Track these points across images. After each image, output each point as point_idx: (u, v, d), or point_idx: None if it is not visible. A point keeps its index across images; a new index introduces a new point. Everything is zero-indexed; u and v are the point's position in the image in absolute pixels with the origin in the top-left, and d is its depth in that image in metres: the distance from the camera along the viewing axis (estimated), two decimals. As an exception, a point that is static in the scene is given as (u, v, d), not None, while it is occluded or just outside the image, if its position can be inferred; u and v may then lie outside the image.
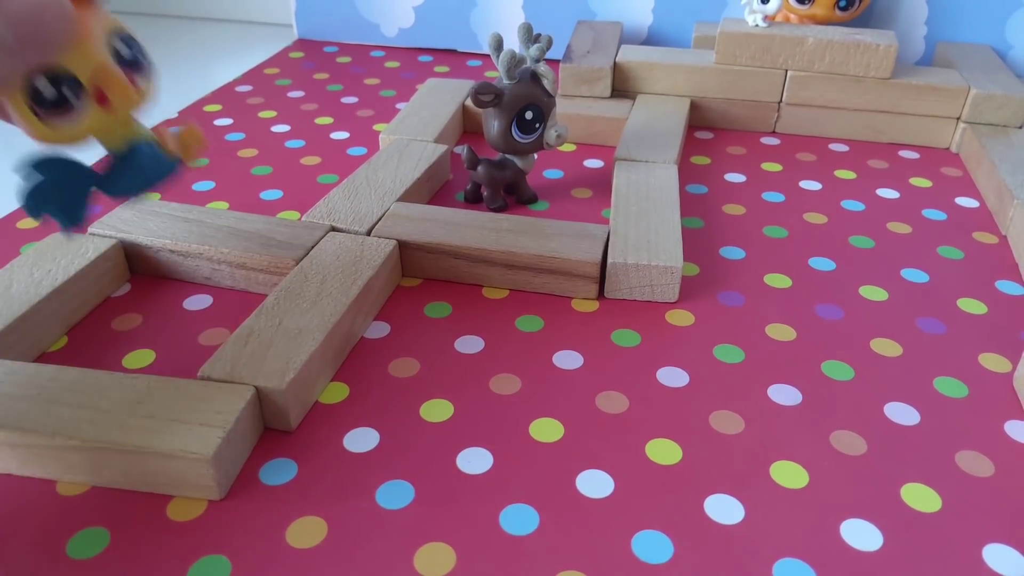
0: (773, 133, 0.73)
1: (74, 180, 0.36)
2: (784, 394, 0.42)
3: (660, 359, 0.45)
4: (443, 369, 0.44)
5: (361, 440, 0.39)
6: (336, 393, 0.42)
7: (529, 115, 0.54)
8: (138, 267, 0.51)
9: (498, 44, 0.53)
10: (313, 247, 0.49)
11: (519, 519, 0.35)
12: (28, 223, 0.56)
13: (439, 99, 0.70)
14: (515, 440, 0.39)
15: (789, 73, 0.70)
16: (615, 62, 0.72)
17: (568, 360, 0.44)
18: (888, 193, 0.63)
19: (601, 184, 0.63)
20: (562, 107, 0.70)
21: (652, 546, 0.34)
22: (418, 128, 0.65)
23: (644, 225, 0.52)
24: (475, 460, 0.38)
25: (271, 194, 0.61)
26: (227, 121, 0.73)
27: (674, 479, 0.37)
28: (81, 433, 0.35)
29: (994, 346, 0.46)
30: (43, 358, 0.44)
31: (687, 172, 0.65)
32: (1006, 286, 0.52)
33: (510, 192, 0.60)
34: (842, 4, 0.74)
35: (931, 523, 0.35)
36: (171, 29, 1.01)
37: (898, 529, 0.35)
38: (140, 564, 0.33)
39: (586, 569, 0.33)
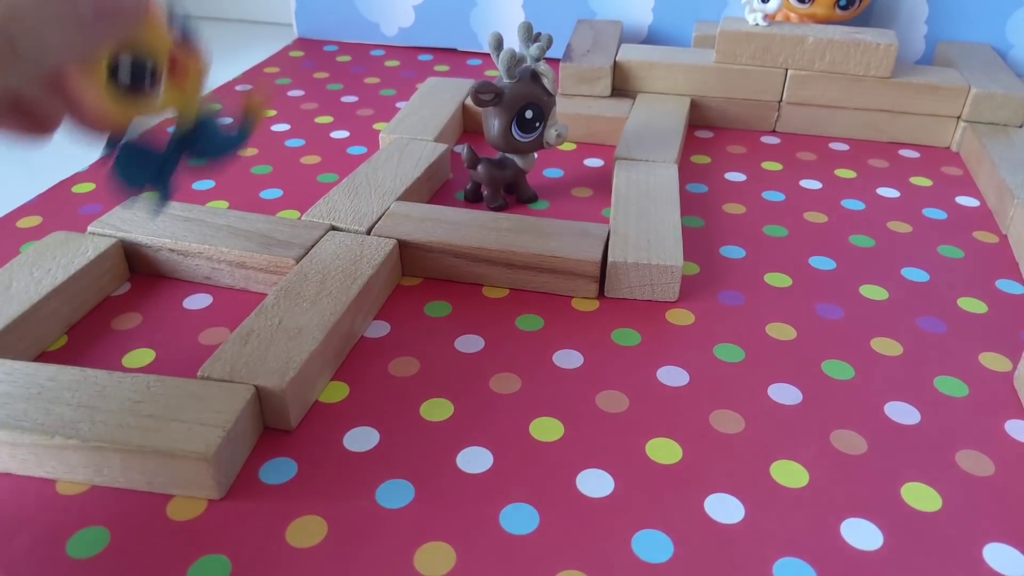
0: (773, 132, 0.73)
1: (158, 156, 0.37)
2: (784, 393, 0.42)
3: (660, 358, 0.45)
4: (443, 369, 0.44)
5: (361, 440, 0.39)
6: (336, 392, 0.42)
7: (529, 114, 0.54)
8: (138, 266, 0.51)
9: (498, 43, 0.53)
10: (313, 246, 0.49)
11: (519, 519, 0.35)
12: (28, 223, 0.56)
13: (439, 98, 0.70)
14: (515, 440, 0.39)
15: (789, 72, 0.70)
16: (615, 61, 0.72)
17: (568, 359, 0.44)
18: (888, 192, 0.63)
19: (601, 183, 0.63)
20: (562, 106, 0.70)
21: (652, 546, 0.34)
22: (418, 127, 0.65)
23: (644, 224, 0.52)
24: (475, 460, 0.38)
25: (271, 193, 0.61)
26: (227, 120, 0.73)
27: (674, 479, 0.37)
28: (81, 433, 0.35)
29: (994, 345, 0.46)
30: (43, 357, 0.44)
31: (687, 171, 0.65)
32: (1006, 285, 0.52)
33: (510, 191, 0.60)
34: (842, 3, 0.74)
35: (931, 522, 0.35)
36: (171, 28, 1.01)
37: (898, 528, 0.35)
38: (140, 564, 0.33)
39: (586, 569, 0.33)
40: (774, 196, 0.62)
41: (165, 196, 0.38)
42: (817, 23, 0.74)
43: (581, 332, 0.46)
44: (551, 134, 0.56)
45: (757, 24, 0.70)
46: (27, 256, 0.47)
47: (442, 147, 0.62)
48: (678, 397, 0.42)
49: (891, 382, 0.43)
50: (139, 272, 0.51)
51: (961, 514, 0.36)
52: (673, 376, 0.43)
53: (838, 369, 0.44)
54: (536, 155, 0.59)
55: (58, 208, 0.58)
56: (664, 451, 0.39)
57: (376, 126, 0.72)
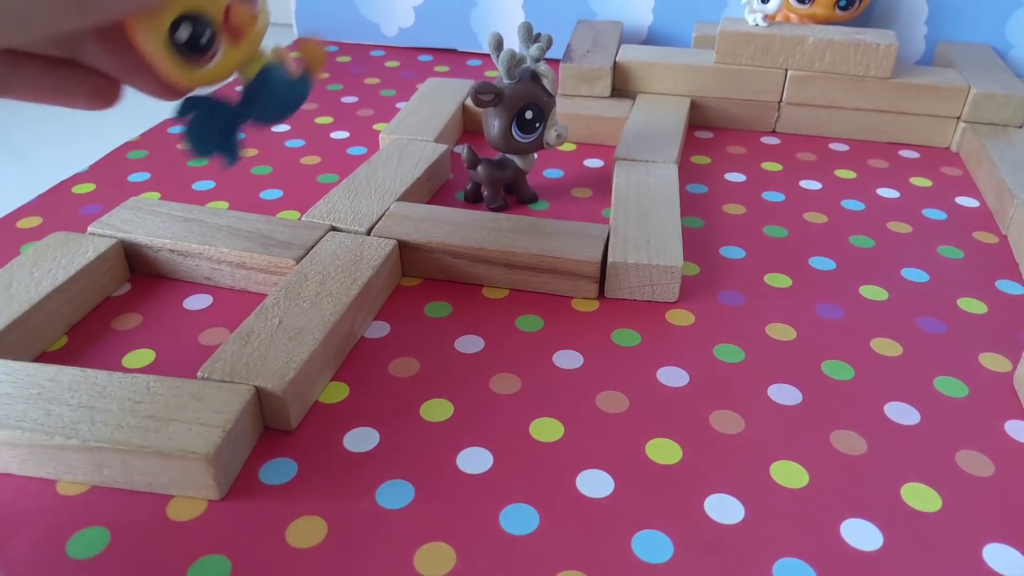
0: (773, 132, 0.73)
1: (224, 115, 0.37)
2: (784, 394, 0.42)
3: (660, 359, 0.45)
4: (443, 369, 0.44)
5: (361, 440, 0.39)
6: (336, 393, 0.42)
7: (529, 115, 0.54)
8: (138, 267, 0.51)
9: (498, 44, 0.53)
10: (313, 247, 0.49)
11: (519, 519, 0.35)
12: (28, 223, 0.56)
13: (439, 99, 0.70)
14: (515, 440, 0.39)
15: (789, 73, 0.70)
16: (615, 62, 0.72)
17: (568, 360, 0.44)
18: (888, 193, 0.63)
19: (601, 184, 0.63)
20: (562, 107, 0.70)
21: (652, 546, 0.34)
22: (418, 128, 0.65)
23: (644, 225, 0.52)
24: (475, 460, 0.38)
25: (271, 194, 0.61)
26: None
27: (674, 479, 0.37)
28: (81, 433, 0.35)
29: (994, 346, 0.46)
30: (43, 358, 0.44)
31: (687, 171, 0.65)
32: (1006, 286, 0.52)
33: (510, 192, 0.60)
34: (842, 3, 0.74)
35: (931, 523, 0.35)
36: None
37: (898, 529, 0.35)
38: (140, 564, 0.33)
39: (586, 569, 0.33)
40: (774, 196, 0.62)
41: (233, 158, 0.38)
42: (817, 23, 0.74)
43: (581, 332, 0.46)
44: (551, 135, 0.56)
45: (757, 24, 0.70)
46: (27, 256, 0.47)
47: (442, 147, 0.62)
48: (678, 397, 0.42)
49: (891, 382, 0.43)
50: (139, 272, 0.51)
51: (961, 514, 0.36)
52: (673, 376, 0.43)
53: (838, 369, 0.44)
54: (536, 155, 0.59)
55: (58, 208, 0.58)
56: (664, 451, 0.39)
57: (376, 126, 0.72)
